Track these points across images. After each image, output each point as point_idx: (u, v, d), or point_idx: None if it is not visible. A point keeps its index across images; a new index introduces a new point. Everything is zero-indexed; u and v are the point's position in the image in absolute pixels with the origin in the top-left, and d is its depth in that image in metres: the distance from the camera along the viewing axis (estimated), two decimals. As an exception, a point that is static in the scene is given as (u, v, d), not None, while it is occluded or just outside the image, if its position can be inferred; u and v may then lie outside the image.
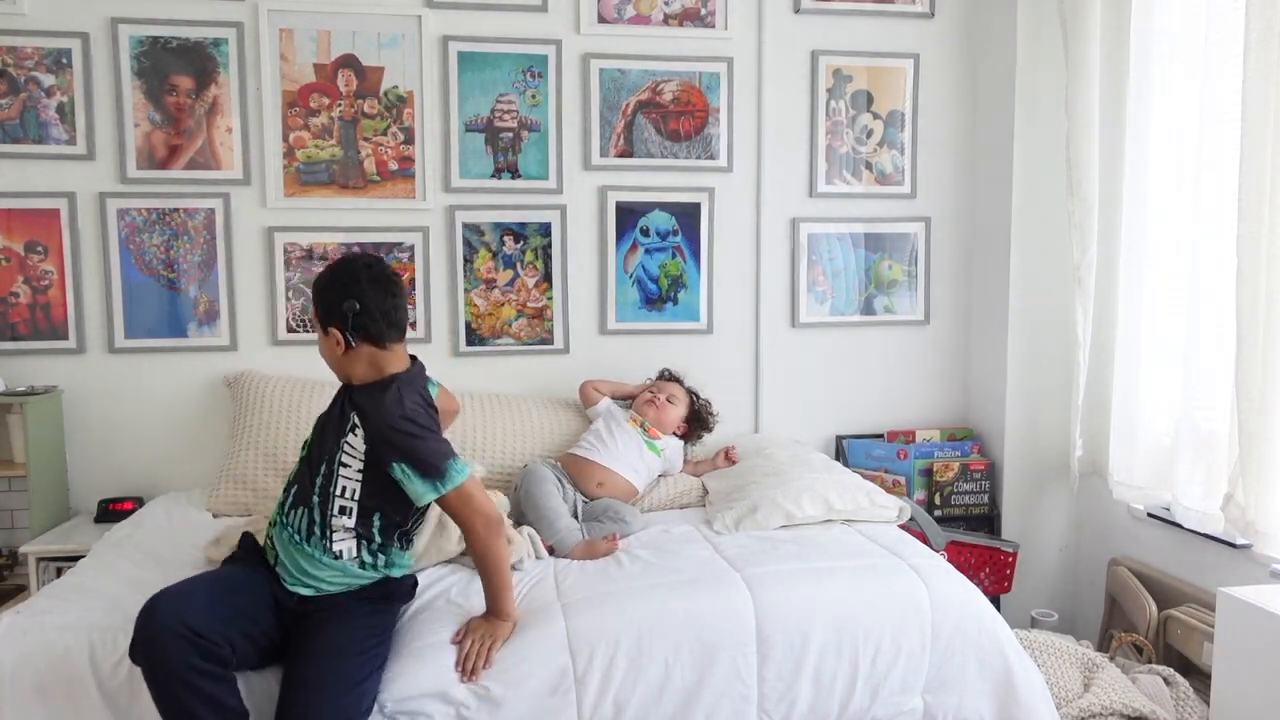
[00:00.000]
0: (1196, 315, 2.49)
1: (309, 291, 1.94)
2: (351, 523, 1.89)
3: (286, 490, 1.96)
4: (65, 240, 2.86)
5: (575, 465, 2.61)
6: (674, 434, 2.83)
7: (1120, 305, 2.76)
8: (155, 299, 2.92)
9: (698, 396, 2.93)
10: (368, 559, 1.90)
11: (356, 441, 1.88)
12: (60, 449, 2.86)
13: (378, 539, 1.91)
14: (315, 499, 1.89)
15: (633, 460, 2.65)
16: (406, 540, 1.99)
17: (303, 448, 2.00)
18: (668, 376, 2.94)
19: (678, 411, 2.84)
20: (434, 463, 1.87)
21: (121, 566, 2.18)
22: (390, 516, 1.92)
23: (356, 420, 1.88)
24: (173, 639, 1.64)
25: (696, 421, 2.90)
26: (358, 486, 1.88)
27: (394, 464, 1.86)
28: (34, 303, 2.87)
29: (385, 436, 1.86)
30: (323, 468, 1.90)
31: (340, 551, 1.88)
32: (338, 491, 1.88)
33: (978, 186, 3.28)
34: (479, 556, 1.93)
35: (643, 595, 2.01)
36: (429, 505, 1.94)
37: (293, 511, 1.91)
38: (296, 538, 1.88)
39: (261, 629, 1.81)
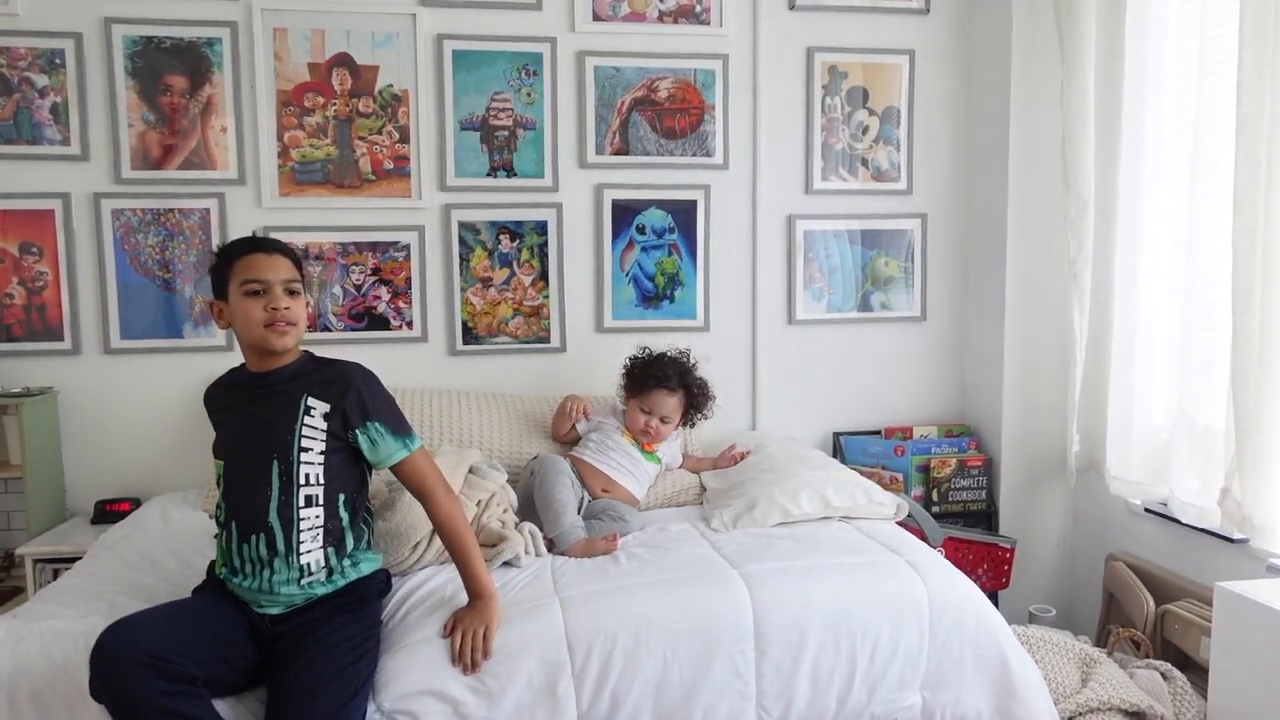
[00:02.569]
0: (1192, 310, 2.49)
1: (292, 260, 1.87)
2: (321, 515, 1.83)
3: (225, 541, 1.85)
4: (60, 241, 2.85)
5: (582, 467, 2.59)
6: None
7: (1116, 301, 2.76)
8: (151, 300, 2.91)
9: (692, 387, 2.72)
10: (335, 565, 1.85)
11: (315, 420, 1.83)
12: (56, 450, 2.86)
13: (345, 526, 1.86)
14: (272, 515, 1.80)
15: (631, 470, 2.62)
16: (368, 525, 1.97)
17: (220, 482, 1.88)
18: (657, 376, 2.66)
19: (670, 428, 2.69)
20: (401, 420, 1.91)
21: (118, 568, 2.17)
22: (351, 496, 1.89)
23: (313, 400, 1.84)
24: (133, 668, 1.58)
25: (694, 410, 2.75)
26: (320, 470, 1.84)
27: (367, 423, 1.85)
28: (29, 304, 2.86)
29: (363, 396, 1.85)
30: (273, 471, 1.81)
31: (309, 564, 1.82)
32: (301, 480, 1.81)
33: (974, 183, 3.28)
34: (449, 522, 1.91)
35: (640, 592, 2.01)
36: (368, 487, 1.95)
37: (244, 546, 1.82)
38: (256, 568, 1.81)
39: (239, 651, 1.75)
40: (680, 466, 2.83)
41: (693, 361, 2.77)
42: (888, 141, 3.26)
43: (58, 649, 1.79)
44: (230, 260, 1.85)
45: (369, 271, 3.02)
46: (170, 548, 2.30)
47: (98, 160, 2.86)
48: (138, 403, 2.92)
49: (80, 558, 2.31)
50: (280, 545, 1.81)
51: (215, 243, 2.91)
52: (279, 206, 2.94)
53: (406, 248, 3.02)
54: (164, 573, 2.15)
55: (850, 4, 3.18)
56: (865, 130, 3.25)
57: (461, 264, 3.06)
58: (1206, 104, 2.41)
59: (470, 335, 3.09)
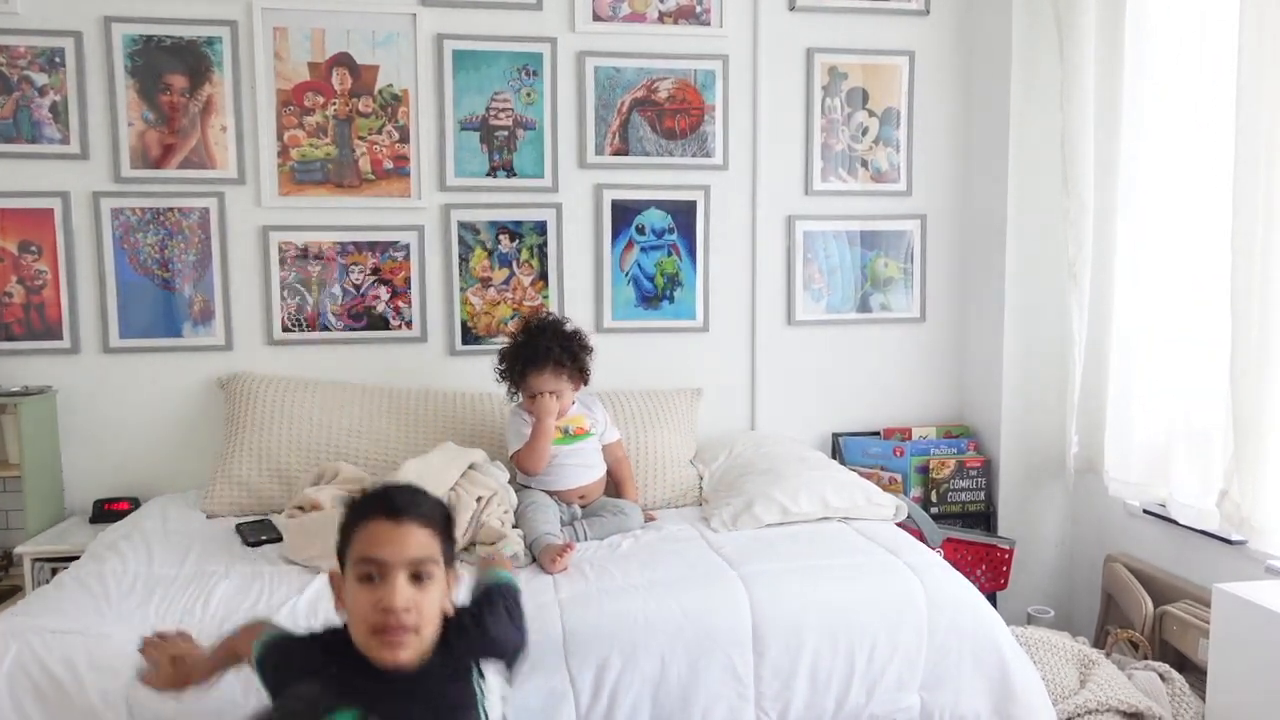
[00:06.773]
0: (1191, 311, 2.50)
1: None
2: None
3: None
4: (59, 240, 2.85)
5: (553, 494, 2.51)
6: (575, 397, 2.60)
7: (1115, 301, 2.76)
8: (150, 299, 2.91)
9: (556, 351, 2.45)
10: None
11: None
12: (55, 449, 2.86)
13: None
14: None
15: (581, 463, 2.54)
16: None
17: None
18: (523, 361, 2.47)
19: (568, 394, 2.52)
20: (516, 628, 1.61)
21: (117, 568, 2.17)
22: None
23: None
24: None
25: (575, 368, 2.51)
26: None
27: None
28: (28, 303, 2.86)
29: (520, 655, 1.57)
30: None
31: None
32: None
33: (973, 184, 3.28)
34: None
35: (639, 592, 2.01)
36: None
37: None
38: None
39: None
40: (612, 465, 2.66)
41: (548, 318, 2.57)
42: (887, 142, 3.26)
43: (56, 647, 1.79)
44: (354, 523, 1.39)
45: (368, 271, 3.01)
46: (169, 548, 2.30)
47: (97, 159, 2.86)
48: (137, 402, 2.92)
49: (78, 557, 2.31)
50: None
51: (215, 242, 2.91)
52: (278, 206, 2.94)
53: (406, 247, 3.02)
54: (163, 572, 2.14)
55: (850, 5, 3.18)
56: (865, 131, 3.25)
57: (461, 264, 3.06)
58: (1206, 105, 2.42)
59: (470, 335, 3.09)
